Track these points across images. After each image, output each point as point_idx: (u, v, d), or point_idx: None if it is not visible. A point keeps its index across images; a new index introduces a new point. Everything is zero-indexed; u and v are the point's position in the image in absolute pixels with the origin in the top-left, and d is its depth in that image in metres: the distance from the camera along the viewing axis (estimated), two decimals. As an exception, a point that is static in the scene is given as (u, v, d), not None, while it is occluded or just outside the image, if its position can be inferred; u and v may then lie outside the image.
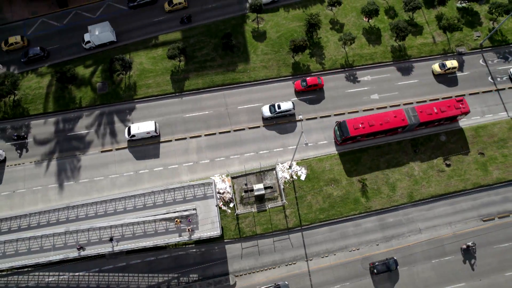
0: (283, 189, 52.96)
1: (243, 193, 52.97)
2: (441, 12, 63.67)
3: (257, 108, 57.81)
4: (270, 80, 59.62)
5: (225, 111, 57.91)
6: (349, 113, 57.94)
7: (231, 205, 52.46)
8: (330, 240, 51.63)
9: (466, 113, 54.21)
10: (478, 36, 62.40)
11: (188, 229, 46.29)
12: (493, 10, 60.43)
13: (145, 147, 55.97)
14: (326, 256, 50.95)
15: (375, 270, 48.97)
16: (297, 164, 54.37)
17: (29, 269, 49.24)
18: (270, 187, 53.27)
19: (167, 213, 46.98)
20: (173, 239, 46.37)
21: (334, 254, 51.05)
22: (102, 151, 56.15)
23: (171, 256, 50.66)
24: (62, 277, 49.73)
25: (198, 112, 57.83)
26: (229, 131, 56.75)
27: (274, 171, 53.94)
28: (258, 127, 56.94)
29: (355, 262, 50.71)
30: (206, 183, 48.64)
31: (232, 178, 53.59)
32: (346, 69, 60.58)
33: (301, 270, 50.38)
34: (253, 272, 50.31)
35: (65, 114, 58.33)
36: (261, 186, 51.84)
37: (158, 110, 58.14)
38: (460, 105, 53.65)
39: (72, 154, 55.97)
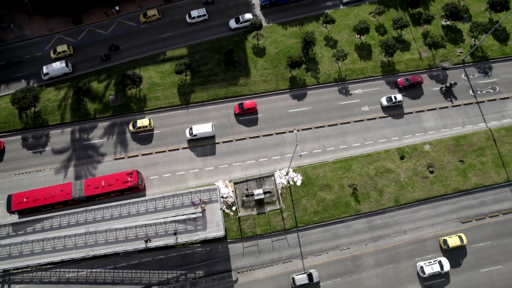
0: (280, 193, 58.23)
1: (244, 198, 58.21)
2: (427, 30, 68.90)
3: (257, 119, 63.04)
4: (269, 93, 64.87)
5: (227, 121, 63.17)
6: (341, 124, 63.20)
7: (234, 208, 57.73)
8: (323, 240, 56.86)
9: (133, 187, 54.35)
10: (461, 52, 67.63)
11: (203, 206, 51.91)
12: (474, 29, 65.65)
13: (156, 155, 61.18)
14: (320, 255, 56.19)
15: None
16: (294, 171, 59.63)
17: (51, 265, 54.52)
18: (269, 192, 58.52)
19: (176, 216, 52.24)
20: (182, 239, 51.58)
21: (327, 253, 56.30)
22: (115, 159, 61.41)
23: (179, 255, 55.92)
24: (80, 273, 55.01)
25: (203, 123, 63.04)
26: (231, 140, 62.00)
27: (273, 177, 59.18)
28: (258, 136, 62.19)
29: (345, 260, 55.96)
30: (211, 189, 53.93)
31: (235, 183, 58.85)
32: (339, 82, 65.82)
33: (297, 267, 55.62)
34: (253, 269, 55.54)
35: (81, 124, 63.58)
36: (260, 191, 57.08)
37: (166, 121, 63.40)
38: (129, 179, 54.04)
39: (88, 161, 61.23)
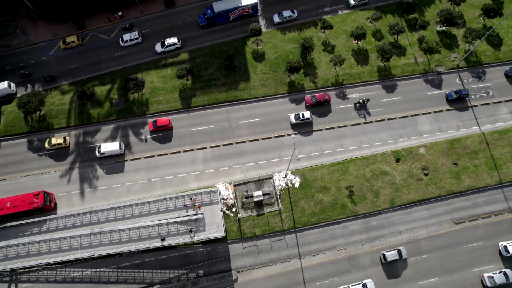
0: (279, 195, 59.95)
1: (244, 199, 59.93)
2: (422, 35, 70.62)
3: (257, 122, 64.80)
4: (268, 97, 66.58)
5: (228, 125, 64.87)
6: (338, 127, 64.92)
7: (234, 209, 59.45)
8: (320, 241, 58.59)
9: (40, 208, 55.15)
10: (455, 57, 69.35)
11: (197, 205, 53.95)
12: (468, 35, 67.34)
13: (157, 158, 62.85)
14: (317, 255, 57.91)
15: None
16: (292, 173, 61.35)
17: (57, 265, 56.24)
18: (268, 194, 60.23)
19: (178, 217, 53.97)
20: (183, 239, 53.31)
21: (324, 253, 58.02)
22: (117, 161, 63.09)
23: (181, 255, 57.65)
24: (85, 272, 56.72)
25: (204, 126, 64.77)
26: (231, 143, 63.73)
27: (272, 180, 60.89)
28: (258, 140, 63.90)
29: (342, 260, 57.69)
30: (212, 191, 55.65)
31: (235, 185, 60.56)
32: (337, 87, 67.53)
33: (295, 267, 57.35)
34: (252, 269, 57.28)
35: (85, 127, 65.26)
36: (260, 193, 58.82)
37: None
38: (35, 200, 55.13)
39: (92, 164, 62.92)
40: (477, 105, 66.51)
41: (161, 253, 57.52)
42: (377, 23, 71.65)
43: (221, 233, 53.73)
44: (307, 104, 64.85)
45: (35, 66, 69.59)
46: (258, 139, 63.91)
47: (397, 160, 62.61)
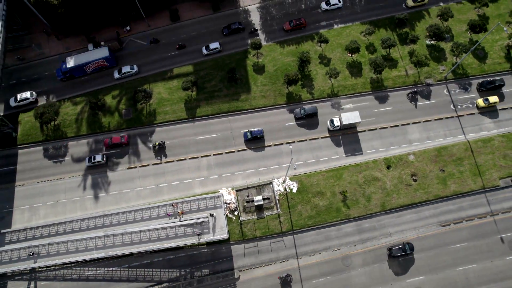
0: (278, 200, 64.53)
1: (246, 203, 64.49)
2: (413, 49, 75.13)
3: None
4: (268, 107, 71.12)
5: (230, 134, 69.41)
6: (333, 136, 69.44)
7: (236, 213, 64.02)
8: (316, 242, 63.15)
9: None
10: (443, 70, 73.88)
11: (179, 212, 58.57)
12: (454, 49, 71.87)
13: (165, 165, 67.43)
14: (313, 255, 62.46)
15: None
16: (290, 179, 65.91)
17: (72, 264, 60.81)
18: (268, 198, 64.80)
19: (185, 220, 58.53)
20: (190, 241, 57.90)
21: (320, 253, 62.58)
22: (128, 168, 67.65)
23: (187, 255, 62.22)
24: (98, 271, 61.30)
25: (208, 135, 69.31)
26: (233, 151, 68.28)
27: (271, 185, 65.45)
28: (259, 148, 68.43)
29: (336, 260, 62.25)
30: (216, 196, 60.22)
31: (237, 191, 65.12)
32: (332, 98, 72.05)
33: (292, 266, 61.92)
34: (253, 268, 61.84)
35: (96, 136, 69.79)
36: (260, 197, 63.36)
37: (174, 133, 69.66)
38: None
39: (103, 170, 67.46)
40: (463, 115, 70.99)
41: (169, 253, 62.07)
42: (370, 37, 76.16)
43: (224, 235, 58.25)
44: (114, 143, 67.07)
45: (48, 78, 74.09)
46: (258, 147, 68.45)
47: (388, 167, 67.16)
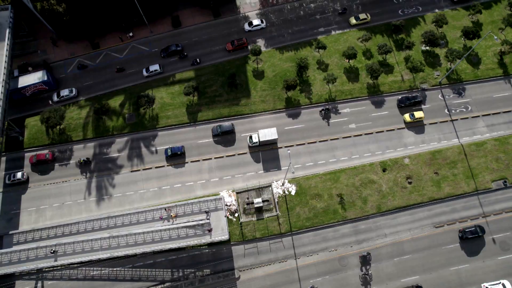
0: (277, 202, 66.57)
1: (246, 205, 66.54)
2: (408, 55, 77.19)
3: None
4: (267, 112, 73.18)
5: (231, 137, 71.42)
6: (331, 139, 71.50)
7: (236, 215, 66.07)
8: (314, 243, 65.17)
9: None
10: (438, 75, 75.93)
11: (172, 215, 60.46)
12: (449, 55, 73.93)
13: (167, 168, 69.49)
14: (311, 255, 64.50)
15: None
16: (289, 182, 67.97)
17: (78, 264, 62.85)
18: (267, 201, 66.84)
19: (187, 222, 60.57)
20: (192, 242, 59.92)
21: (317, 254, 64.61)
22: (131, 171, 69.69)
23: (189, 255, 64.25)
24: (103, 271, 63.34)
25: (209, 139, 71.34)
26: (234, 155, 70.31)
27: (270, 188, 67.48)
28: (258, 151, 70.50)
29: (333, 260, 64.29)
30: (217, 199, 62.22)
31: (237, 193, 67.16)
32: (330, 102, 74.07)
33: (291, 266, 63.96)
34: (253, 268, 63.86)
35: (100, 140, 71.84)
36: (259, 200, 65.42)
37: (177, 137, 71.70)
38: None
39: (108, 173, 69.49)
40: (457, 119, 73.03)
41: (172, 254, 64.09)
42: (367, 43, 78.20)
43: (225, 236, 60.28)
44: (30, 162, 68.47)
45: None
46: (258, 151, 70.49)
47: (384, 170, 69.20)
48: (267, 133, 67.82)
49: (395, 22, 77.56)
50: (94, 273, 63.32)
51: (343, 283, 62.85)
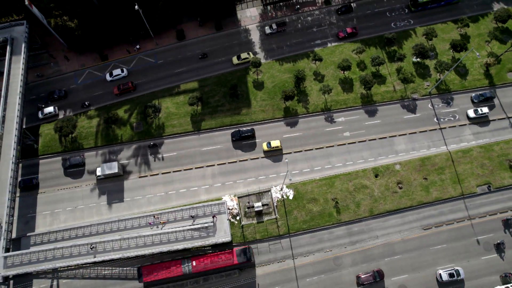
0: (276, 206, 71.17)
1: (246, 209, 71.13)
2: (400, 66, 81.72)
3: (258, 143, 75.95)
4: (266, 121, 77.74)
5: (232, 145, 75.99)
6: (327, 147, 76.04)
7: (238, 218, 70.66)
8: (310, 244, 69.75)
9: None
10: (428, 85, 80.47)
11: (161, 222, 64.84)
12: (438, 66, 78.45)
13: (173, 174, 74.08)
14: (307, 256, 69.08)
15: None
16: (287, 187, 72.58)
17: (90, 264, 67.47)
18: (266, 205, 71.45)
19: (192, 225, 65.15)
20: (197, 243, 64.47)
21: (313, 254, 69.20)
22: (139, 177, 74.30)
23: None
24: (114, 270, 67.99)
25: (212, 146, 75.94)
26: (235, 161, 74.91)
27: (269, 192, 72.10)
28: (258, 158, 75.12)
29: (328, 260, 68.88)
30: (220, 203, 66.79)
31: (238, 197, 71.78)
32: (325, 112, 78.62)
33: (289, 266, 68.55)
34: (253, 267, 68.49)
35: (110, 147, 76.44)
36: (259, 203, 69.99)
37: (181, 144, 76.31)
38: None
39: (117, 179, 74.09)
40: (445, 128, 77.56)
41: (178, 254, 68.64)
42: (361, 55, 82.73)
43: (227, 238, 64.84)
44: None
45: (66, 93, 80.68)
46: (258, 158, 75.10)
47: (376, 176, 73.76)
48: (107, 167, 70.84)
49: (387, 35, 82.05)
50: (105, 272, 67.94)
51: (338, 281, 67.45)
